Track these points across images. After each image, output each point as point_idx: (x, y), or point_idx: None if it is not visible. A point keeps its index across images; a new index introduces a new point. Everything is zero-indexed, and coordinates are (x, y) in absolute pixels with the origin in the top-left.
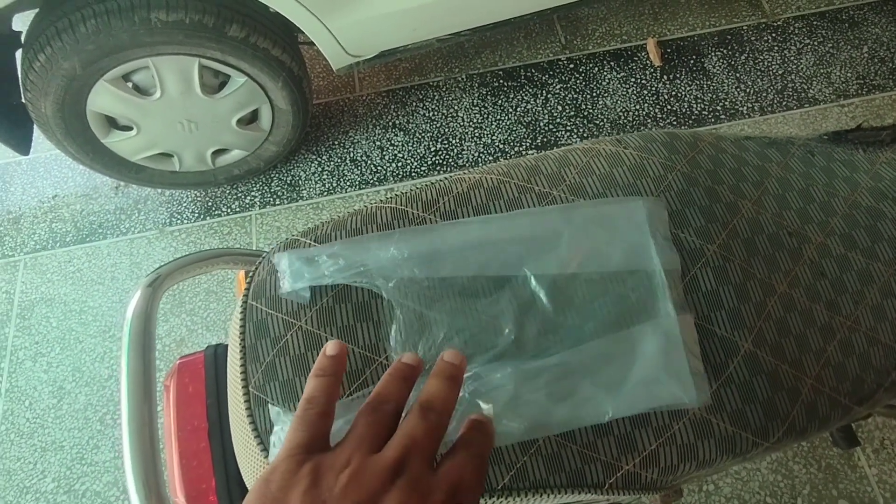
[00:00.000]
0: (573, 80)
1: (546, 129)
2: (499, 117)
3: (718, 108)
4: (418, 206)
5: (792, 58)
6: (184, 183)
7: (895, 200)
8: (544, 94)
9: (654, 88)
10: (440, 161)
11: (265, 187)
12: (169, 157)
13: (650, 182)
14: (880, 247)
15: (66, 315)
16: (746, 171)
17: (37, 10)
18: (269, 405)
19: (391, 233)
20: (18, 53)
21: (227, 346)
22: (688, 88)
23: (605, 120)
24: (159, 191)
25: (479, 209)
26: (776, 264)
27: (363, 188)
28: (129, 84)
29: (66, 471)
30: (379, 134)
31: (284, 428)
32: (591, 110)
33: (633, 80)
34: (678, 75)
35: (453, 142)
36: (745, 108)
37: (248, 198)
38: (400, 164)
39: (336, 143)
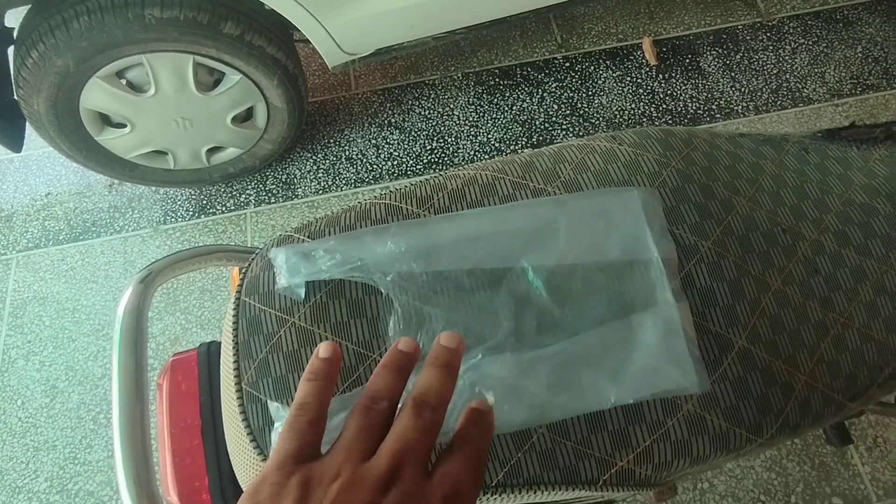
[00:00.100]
0: (569, 78)
1: (542, 127)
2: (495, 116)
3: (714, 106)
4: (412, 203)
5: (787, 57)
6: (178, 181)
7: (888, 197)
8: (540, 93)
9: (649, 87)
10: (436, 159)
11: (260, 185)
12: (163, 155)
13: (645, 178)
14: (873, 244)
15: (59, 314)
16: (741, 167)
17: (29, 7)
18: (269, 402)
19: (387, 227)
20: (11, 50)
21: (220, 343)
22: (683, 87)
23: (600, 119)
24: (153, 189)
25: (473, 205)
26: (770, 261)
27: (359, 186)
28: (123, 81)
29: (58, 470)
30: (374, 132)
31: None
32: (586, 109)
33: (628, 78)
34: (674, 74)
35: (449, 140)
36: (740, 107)
37: (243, 196)
38: (395, 162)
39: (331, 141)
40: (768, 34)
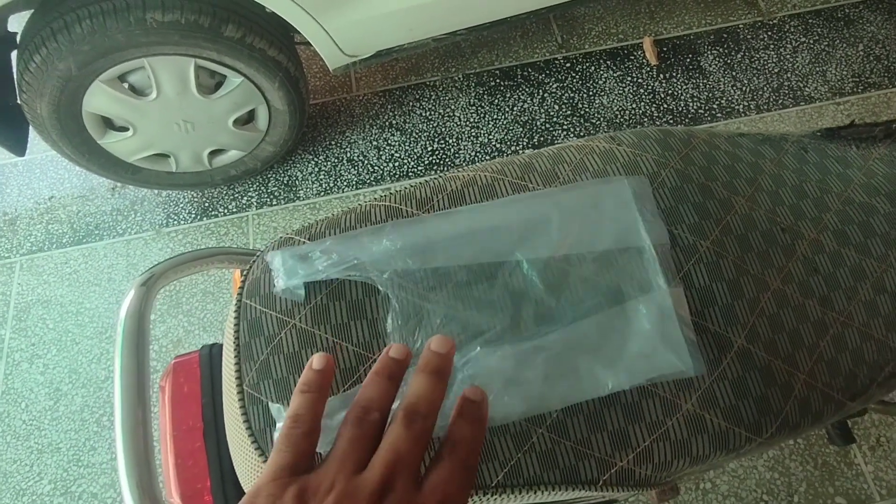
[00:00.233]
0: (570, 79)
1: (543, 128)
2: (495, 117)
3: (715, 106)
4: (412, 204)
5: (788, 56)
6: (180, 184)
7: (888, 196)
8: (541, 94)
9: (650, 87)
10: (437, 161)
11: (262, 188)
12: (165, 158)
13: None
14: (873, 243)
15: (63, 317)
16: (740, 167)
17: (32, 11)
18: (270, 403)
19: (383, 226)
20: (14, 54)
21: (222, 345)
22: (684, 87)
23: (601, 119)
24: (156, 192)
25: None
26: (769, 260)
27: (360, 188)
28: (125, 84)
29: (62, 473)
30: (376, 134)
31: None
32: (587, 109)
33: (629, 78)
34: (674, 74)
35: (450, 141)
36: (741, 106)
37: (245, 198)
38: (397, 163)
39: (333, 143)
40: (769, 33)
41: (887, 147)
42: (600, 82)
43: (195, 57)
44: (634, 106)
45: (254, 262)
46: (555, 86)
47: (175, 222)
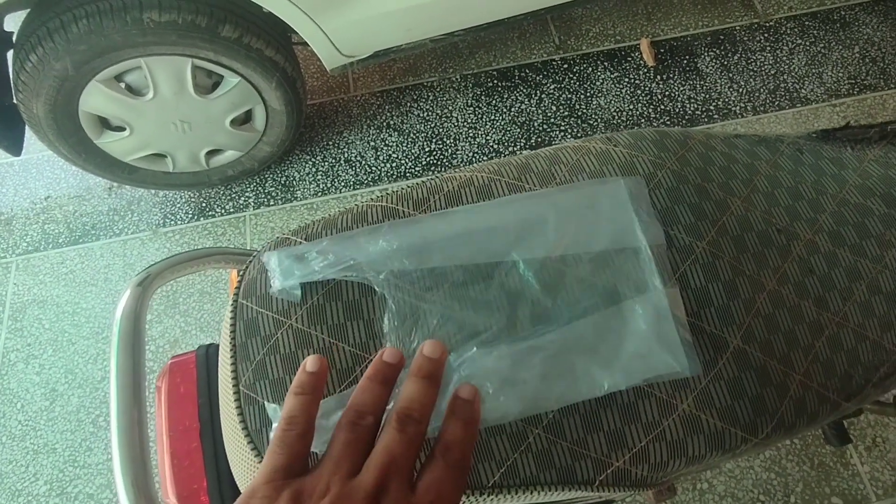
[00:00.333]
0: (567, 80)
1: (540, 129)
2: (493, 117)
3: (711, 107)
4: (409, 205)
5: (784, 58)
6: (177, 184)
7: (882, 198)
8: (538, 95)
9: (647, 88)
10: (434, 161)
11: (259, 188)
12: (162, 158)
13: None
14: (868, 244)
15: (59, 317)
16: (736, 168)
17: (28, 11)
18: (266, 403)
19: (379, 226)
20: (10, 54)
21: (218, 345)
22: (681, 88)
23: (598, 120)
24: (153, 192)
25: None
26: (765, 261)
27: (357, 188)
28: (122, 84)
29: (58, 473)
30: (373, 134)
31: None
32: (584, 110)
33: (626, 80)
34: (671, 75)
35: (447, 142)
36: (737, 107)
37: (242, 198)
38: (394, 164)
39: (330, 143)
40: (766, 35)
41: (882, 149)
42: (597, 83)
43: (192, 57)
44: (632, 107)
45: (250, 262)
46: (552, 87)
47: (172, 222)
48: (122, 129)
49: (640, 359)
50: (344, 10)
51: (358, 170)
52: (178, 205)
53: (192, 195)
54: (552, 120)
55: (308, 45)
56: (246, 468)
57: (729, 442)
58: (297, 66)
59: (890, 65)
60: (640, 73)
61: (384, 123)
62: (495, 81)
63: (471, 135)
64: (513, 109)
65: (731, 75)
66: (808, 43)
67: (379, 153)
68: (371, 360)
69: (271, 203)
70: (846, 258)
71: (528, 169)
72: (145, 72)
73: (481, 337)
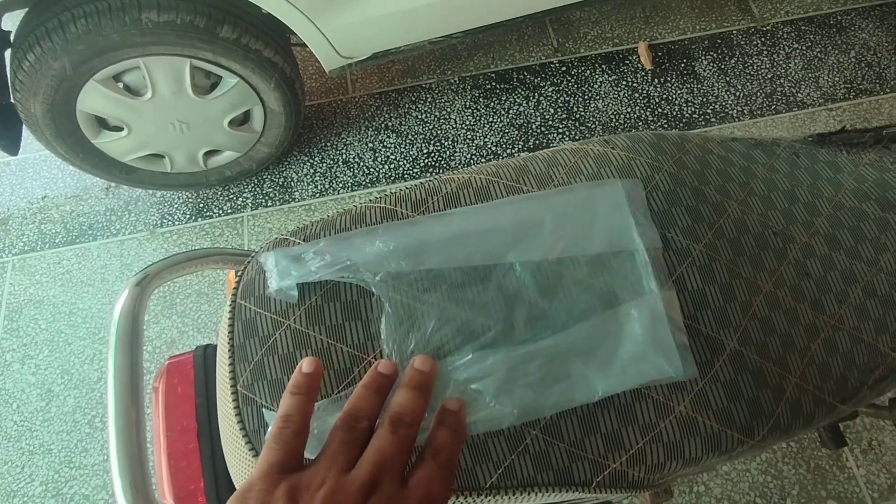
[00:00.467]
0: (565, 82)
1: (538, 131)
2: (491, 120)
3: (709, 111)
4: (407, 206)
5: (781, 62)
6: (175, 184)
7: (877, 201)
8: (536, 97)
9: (645, 91)
10: (432, 163)
11: (257, 189)
12: (160, 158)
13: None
14: (863, 247)
15: (55, 317)
16: (732, 171)
17: (26, 10)
18: (264, 410)
19: (376, 228)
20: (7, 53)
21: (216, 346)
22: (678, 92)
23: (596, 122)
24: (150, 192)
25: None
26: (761, 264)
27: (355, 190)
28: (120, 84)
29: (54, 474)
30: (371, 136)
31: None
32: (582, 113)
33: (624, 83)
34: (669, 79)
35: (445, 144)
36: (734, 111)
37: (240, 199)
38: (392, 165)
39: (328, 144)
40: (763, 39)
41: (877, 153)
42: (595, 86)
43: (191, 57)
44: (629, 110)
45: (248, 262)
46: (550, 89)
47: (169, 223)
48: (119, 129)
49: (635, 363)
50: (343, 12)
51: (356, 171)
52: (176, 205)
53: (189, 196)
54: (550, 122)
55: (307, 46)
56: (243, 468)
57: (725, 444)
58: (295, 67)
59: (886, 69)
60: (638, 76)
61: (382, 125)
62: (493, 84)
63: (469, 137)
64: (511, 112)
65: (728, 79)
66: (804, 47)
67: (377, 155)
68: (369, 361)
69: (269, 204)
70: (842, 261)
71: (525, 171)
72: (143, 72)
73: (478, 341)
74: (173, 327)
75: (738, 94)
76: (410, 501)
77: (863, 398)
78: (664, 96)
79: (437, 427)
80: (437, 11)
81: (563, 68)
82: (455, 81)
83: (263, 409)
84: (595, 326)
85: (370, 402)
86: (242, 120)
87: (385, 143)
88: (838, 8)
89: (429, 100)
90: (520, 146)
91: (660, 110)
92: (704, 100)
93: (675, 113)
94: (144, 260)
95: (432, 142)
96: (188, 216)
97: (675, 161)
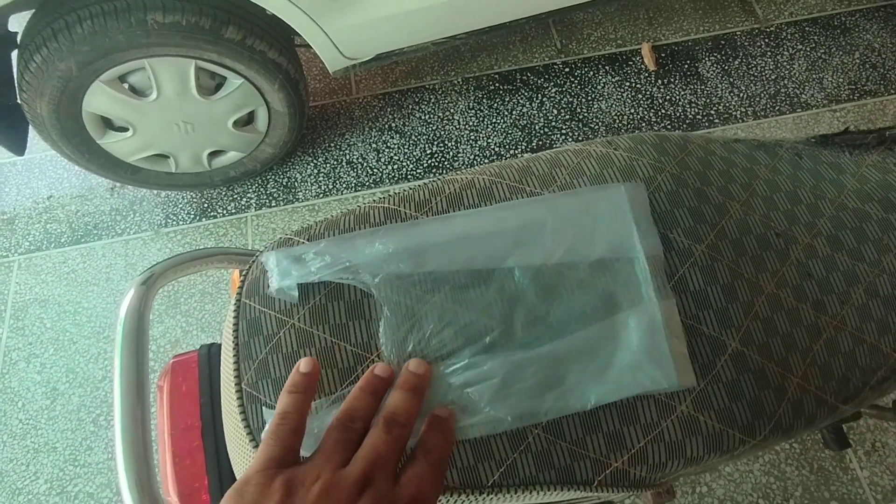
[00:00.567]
0: (568, 83)
1: (541, 132)
2: (494, 120)
3: (712, 112)
4: (411, 206)
5: (785, 63)
6: (180, 184)
7: (880, 202)
8: (540, 98)
9: (648, 92)
10: (436, 164)
11: (261, 189)
12: (165, 159)
13: (640, 183)
14: (866, 248)
15: (61, 316)
16: (735, 172)
17: (33, 11)
18: (264, 409)
19: (377, 229)
20: (14, 54)
21: (220, 345)
22: (682, 93)
23: (599, 123)
24: (155, 192)
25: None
26: (764, 265)
27: (359, 190)
28: (126, 85)
29: (58, 472)
30: (375, 136)
31: None
32: (586, 114)
33: (627, 84)
34: (672, 80)
35: (449, 144)
36: (738, 112)
37: (244, 199)
38: (396, 166)
39: (332, 145)
40: (766, 40)
41: (880, 154)
42: (599, 87)
43: (196, 58)
44: (633, 111)
45: (253, 262)
46: (554, 90)
47: (174, 223)
48: (125, 129)
49: (630, 373)
50: (347, 13)
51: (359, 171)
52: (181, 205)
53: (194, 196)
54: (553, 123)
55: (311, 47)
56: (247, 466)
57: (727, 443)
58: (299, 68)
59: (890, 70)
60: (642, 77)
61: (386, 126)
62: (497, 84)
63: (472, 137)
64: (514, 113)
65: (731, 80)
66: (808, 48)
67: (380, 155)
68: (372, 359)
69: (273, 204)
70: (844, 262)
71: (529, 172)
72: (149, 73)
73: (476, 345)
74: (178, 326)
75: (741, 95)
76: (402, 498)
77: (865, 399)
78: (667, 97)
79: (428, 429)
80: (441, 13)
81: (567, 69)
82: (458, 82)
83: (263, 408)
84: (592, 334)
85: (365, 403)
86: (247, 120)
87: (388, 144)
88: (842, 9)
89: (432, 101)
90: (523, 147)
91: (663, 111)
92: (708, 101)
93: (678, 114)
94: (149, 259)
95: (436, 142)
96: (192, 216)
97: (677, 162)
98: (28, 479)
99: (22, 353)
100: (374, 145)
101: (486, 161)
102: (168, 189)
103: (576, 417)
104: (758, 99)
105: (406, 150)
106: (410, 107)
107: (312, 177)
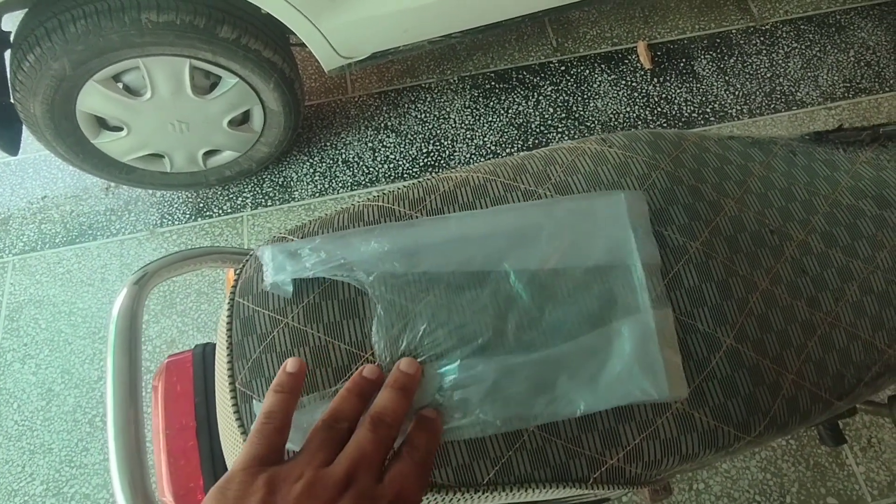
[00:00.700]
0: (564, 82)
1: (537, 130)
2: (490, 119)
3: (708, 110)
4: (405, 204)
5: (780, 61)
6: (175, 184)
7: (874, 199)
8: (536, 97)
9: (644, 91)
10: (432, 162)
11: (257, 188)
12: (160, 158)
13: (634, 180)
14: (860, 244)
15: (55, 316)
16: (729, 169)
17: (26, 10)
18: (255, 401)
19: (373, 227)
20: (7, 53)
21: (215, 344)
22: (678, 91)
23: (595, 122)
24: (150, 192)
25: (465, 207)
26: (758, 261)
27: (355, 189)
28: (120, 84)
29: (54, 473)
30: (371, 135)
31: None
32: (581, 112)
33: (623, 82)
34: (668, 78)
35: (445, 143)
36: (734, 110)
37: (240, 199)
38: (392, 165)
39: (328, 144)
40: (762, 38)
41: (874, 151)
42: (595, 86)
43: (190, 58)
44: (628, 109)
45: (247, 260)
46: (549, 89)
47: (169, 222)
48: (119, 129)
49: (621, 382)
50: (342, 12)
51: (355, 171)
52: (176, 205)
53: (189, 195)
54: (549, 122)
55: (306, 46)
56: None
57: (722, 440)
58: (294, 67)
59: (884, 68)
60: (637, 75)
61: (382, 125)
62: (493, 83)
63: (468, 136)
64: (510, 111)
65: (727, 78)
66: (803, 46)
67: (376, 154)
68: (366, 358)
69: (269, 204)
70: (838, 259)
71: (523, 169)
72: (143, 72)
73: (468, 347)
74: (173, 326)
75: (737, 93)
76: (385, 496)
77: (859, 395)
78: (663, 95)
79: (415, 428)
80: (437, 11)
81: (563, 68)
82: (454, 81)
83: (255, 402)
84: (585, 342)
85: (352, 404)
86: (242, 120)
87: (384, 143)
88: (837, 7)
89: (428, 99)
90: (519, 145)
91: (659, 109)
92: (703, 99)
93: (674, 112)
94: (144, 259)
95: (432, 141)
96: (188, 216)
97: (672, 159)
98: (24, 481)
99: (17, 354)
100: (370, 144)
101: (482, 159)
102: (163, 189)
103: None
104: (753, 97)
105: (402, 149)
106: (406, 106)
107: (308, 176)
